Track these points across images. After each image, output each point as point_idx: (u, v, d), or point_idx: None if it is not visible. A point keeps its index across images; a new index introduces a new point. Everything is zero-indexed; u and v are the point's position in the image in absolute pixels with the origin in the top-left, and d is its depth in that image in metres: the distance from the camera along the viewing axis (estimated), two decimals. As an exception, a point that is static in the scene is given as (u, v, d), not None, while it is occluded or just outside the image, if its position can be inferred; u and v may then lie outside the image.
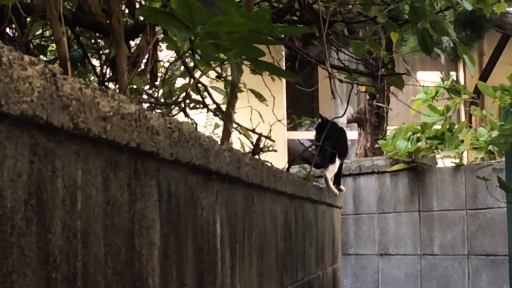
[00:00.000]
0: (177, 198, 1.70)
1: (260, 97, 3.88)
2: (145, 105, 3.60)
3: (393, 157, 6.74)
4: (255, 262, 2.61)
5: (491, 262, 6.14)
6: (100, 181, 1.29)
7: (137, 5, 3.23)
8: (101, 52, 3.65)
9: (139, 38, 3.06)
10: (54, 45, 3.83)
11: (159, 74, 3.80)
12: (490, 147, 6.35)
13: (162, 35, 3.32)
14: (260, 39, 2.13)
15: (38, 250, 1.07)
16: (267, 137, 3.48)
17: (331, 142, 4.30)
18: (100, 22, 2.76)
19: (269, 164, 2.88)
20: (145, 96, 3.68)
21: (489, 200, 6.01)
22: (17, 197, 1.01)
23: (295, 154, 6.86)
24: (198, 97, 3.66)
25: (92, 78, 3.80)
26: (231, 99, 3.09)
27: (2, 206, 0.98)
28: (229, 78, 3.88)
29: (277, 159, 4.27)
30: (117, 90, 2.57)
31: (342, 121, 7.11)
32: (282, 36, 4.17)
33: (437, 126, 6.83)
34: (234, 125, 3.27)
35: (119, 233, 1.36)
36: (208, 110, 3.57)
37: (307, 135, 10.80)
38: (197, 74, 3.54)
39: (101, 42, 3.77)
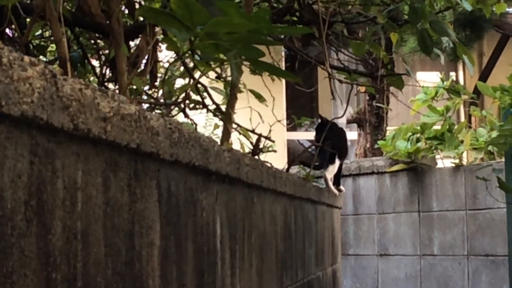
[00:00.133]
0: (177, 199, 1.70)
1: (259, 97, 3.88)
2: (145, 106, 3.60)
3: (393, 158, 6.75)
4: (255, 262, 2.61)
5: (491, 262, 6.14)
6: (100, 182, 1.29)
7: (137, 6, 3.23)
8: (100, 52, 3.65)
9: (139, 39, 3.06)
10: (53, 45, 3.83)
11: (159, 75, 3.80)
12: (490, 148, 6.36)
13: (161, 36, 3.32)
14: (259, 40, 2.13)
15: (38, 250, 1.07)
16: (267, 138, 3.48)
17: (330, 142, 4.30)
18: (99, 22, 2.76)
19: (269, 165, 2.88)
20: (144, 97, 3.68)
21: (488, 200, 6.01)
22: (17, 198, 1.01)
23: (295, 154, 6.87)
24: (198, 98, 3.66)
25: (91, 78, 3.81)
26: (231, 99, 3.09)
27: (2, 207, 0.98)
28: (229, 78, 3.89)
29: (277, 159, 4.27)
30: (117, 91, 2.57)
31: (341, 122, 7.11)
32: (282, 36, 4.17)
33: (437, 127, 6.83)
34: (234, 126, 3.27)
35: (119, 234, 1.36)
36: (208, 110, 3.57)
37: (306, 136, 10.79)
38: (197, 74, 3.54)
39: (101, 43, 3.77)
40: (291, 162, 4.52)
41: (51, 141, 1.12)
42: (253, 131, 3.50)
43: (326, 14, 3.76)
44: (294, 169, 5.14)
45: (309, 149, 5.07)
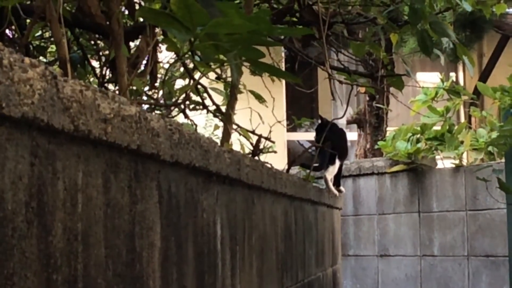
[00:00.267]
0: (178, 200, 1.70)
1: (259, 98, 3.88)
2: (145, 107, 3.60)
3: (393, 158, 6.75)
4: (256, 263, 2.61)
5: (491, 263, 6.14)
6: (101, 183, 1.29)
7: (137, 7, 3.23)
8: (100, 53, 3.65)
9: (139, 40, 3.06)
10: (53, 46, 3.83)
11: (159, 76, 3.80)
12: (490, 148, 6.36)
13: (161, 37, 3.32)
14: (259, 41, 2.13)
15: (39, 252, 1.07)
16: (267, 138, 3.48)
17: (331, 143, 4.30)
18: (99, 23, 2.76)
19: (269, 165, 2.88)
20: (145, 98, 3.68)
21: (489, 201, 6.01)
22: (18, 199, 1.01)
23: (295, 155, 6.87)
24: (198, 99, 3.66)
25: (91, 79, 3.80)
26: (231, 100, 3.09)
27: (3, 209, 0.98)
28: (229, 79, 3.88)
29: (277, 160, 4.27)
30: (117, 92, 2.57)
31: (341, 122, 7.11)
32: (282, 37, 4.17)
33: (437, 127, 6.83)
34: (234, 127, 3.27)
35: (119, 235, 1.36)
36: (208, 111, 3.57)
37: (306, 136, 10.80)
38: (197, 75, 3.54)
39: (101, 44, 3.77)
40: (291, 162, 4.53)
41: (52, 142, 1.12)
42: (253, 132, 3.50)
43: (326, 14, 3.76)
44: (294, 170, 5.14)
45: (309, 150, 5.07)
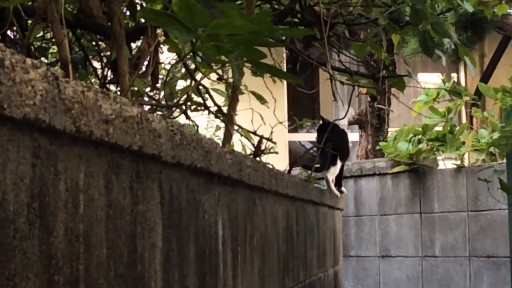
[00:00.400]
0: (179, 201, 1.70)
1: (261, 99, 3.88)
2: (146, 107, 3.60)
3: (394, 159, 6.75)
4: (257, 264, 2.61)
5: (493, 263, 6.14)
6: (102, 184, 1.29)
7: (138, 8, 3.23)
8: (102, 54, 3.65)
9: (140, 41, 3.06)
10: (55, 47, 3.83)
11: (160, 76, 3.80)
12: (491, 149, 6.35)
13: (163, 37, 3.32)
14: (261, 41, 2.13)
15: (40, 253, 1.07)
16: (268, 139, 3.48)
17: (332, 144, 4.29)
18: (101, 24, 2.76)
19: (271, 166, 2.88)
20: (146, 99, 3.68)
21: (490, 201, 6.01)
22: (19, 200, 1.01)
23: (296, 156, 6.87)
24: (199, 99, 3.66)
25: (93, 80, 3.80)
26: (232, 101, 3.09)
27: (4, 210, 0.98)
28: (230, 80, 3.89)
29: (279, 161, 4.27)
30: (118, 93, 2.57)
31: (343, 123, 7.11)
32: (283, 38, 4.17)
33: (438, 128, 6.83)
34: (236, 127, 3.27)
35: (121, 236, 1.36)
36: (209, 112, 3.57)
37: (308, 137, 10.80)
38: (198, 76, 3.54)
39: (102, 45, 3.77)
40: (292, 163, 4.53)
41: (53, 143, 1.12)
42: (254, 133, 3.50)
43: (327, 15, 3.76)
44: (296, 171, 5.14)
45: (311, 151, 5.07)
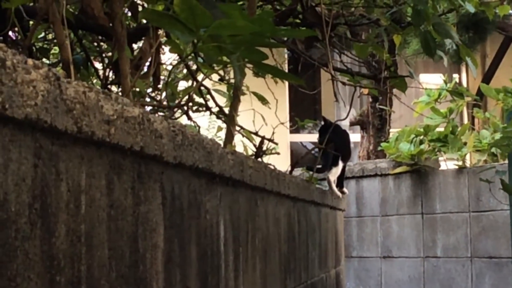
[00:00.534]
0: (181, 201, 1.70)
1: (263, 100, 3.88)
2: (148, 108, 3.60)
3: (396, 160, 6.74)
4: (259, 265, 2.61)
5: (494, 264, 6.14)
6: (104, 185, 1.29)
7: (140, 8, 3.23)
8: (104, 55, 3.64)
9: (142, 41, 3.06)
10: (56, 48, 3.83)
11: (162, 77, 3.80)
12: (493, 149, 6.35)
13: (165, 38, 3.32)
14: (263, 42, 2.13)
15: (42, 253, 1.07)
16: (270, 140, 3.48)
17: (334, 144, 4.29)
18: (103, 25, 2.76)
19: (272, 167, 2.88)
20: (148, 99, 3.68)
21: (492, 202, 6.01)
22: (21, 200, 1.01)
23: (298, 156, 6.87)
24: (201, 100, 3.66)
25: (95, 81, 3.80)
26: (234, 102, 3.09)
27: (6, 210, 0.98)
28: (232, 81, 3.88)
29: (280, 161, 4.27)
30: (120, 93, 2.57)
31: (344, 124, 7.11)
32: (285, 38, 4.17)
33: (440, 129, 6.83)
34: (237, 128, 3.27)
35: (123, 237, 1.36)
36: (211, 113, 3.57)
37: (309, 138, 10.80)
38: (200, 77, 3.54)
39: (104, 45, 3.77)
40: (294, 164, 4.53)
41: (55, 144, 1.12)
42: (256, 134, 3.50)
43: (329, 16, 3.75)
44: (297, 171, 5.14)
45: (312, 152, 5.07)
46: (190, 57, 3.09)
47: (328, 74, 3.79)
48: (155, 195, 1.53)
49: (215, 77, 3.99)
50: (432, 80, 11.35)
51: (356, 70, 4.71)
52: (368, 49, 4.31)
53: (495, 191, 5.53)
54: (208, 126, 8.17)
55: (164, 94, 3.82)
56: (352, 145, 5.01)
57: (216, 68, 3.06)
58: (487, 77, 11.08)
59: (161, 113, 4.02)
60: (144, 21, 3.16)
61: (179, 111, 3.83)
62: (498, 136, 5.82)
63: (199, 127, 3.80)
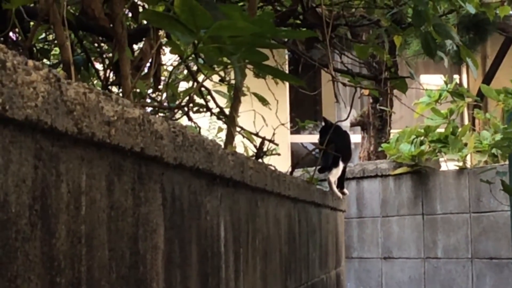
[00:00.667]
0: (181, 202, 1.70)
1: (263, 100, 3.88)
2: (148, 109, 3.60)
3: (397, 161, 6.74)
4: (259, 266, 2.61)
5: (495, 265, 6.13)
6: (104, 186, 1.29)
7: (141, 9, 3.23)
8: (104, 56, 3.64)
9: (143, 42, 3.06)
10: (57, 49, 3.83)
11: (163, 78, 3.80)
12: (494, 150, 6.35)
13: (165, 39, 3.32)
14: (263, 43, 2.13)
15: (42, 255, 1.07)
16: (271, 141, 3.48)
17: (334, 145, 4.29)
18: (103, 26, 2.76)
19: (273, 168, 2.88)
20: (148, 100, 3.68)
21: (492, 203, 6.00)
22: (21, 202, 1.01)
23: (299, 157, 6.87)
24: (202, 101, 3.66)
25: (95, 82, 3.80)
26: (235, 102, 3.09)
27: (6, 211, 0.98)
28: (233, 81, 3.88)
29: (281, 162, 4.27)
30: (121, 94, 2.57)
31: (345, 125, 7.11)
32: (285, 39, 4.17)
33: (441, 129, 6.83)
34: (238, 129, 3.27)
35: (123, 238, 1.36)
36: (212, 113, 3.57)
37: (310, 139, 10.81)
38: (201, 78, 3.54)
39: (105, 46, 3.77)
40: (295, 165, 4.53)
41: (55, 145, 1.12)
42: (256, 134, 3.50)
43: (329, 17, 3.75)
44: (298, 172, 5.14)
45: (313, 152, 5.07)
46: (190, 58, 3.10)
47: (329, 75, 3.79)
48: (155, 196, 1.53)
49: (215, 78, 3.99)
50: (432, 81, 11.35)
51: (356, 71, 4.71)
52: (369, 50, 4.31)
53: (496, 192, 5.53)
54: (209, 127, 8.17)
55: (164, 95, 3.82)
56: (352, 146, 5.01)
57: (216, 69, 3.07)
58: (487, 78, 11.08)
59: (161, 114, 4.02)
60: (145, 22, 3.16)
61: (180, 112, 3.83)
62: (498, 137, 5.82)
63: (199, 128, 3.80)
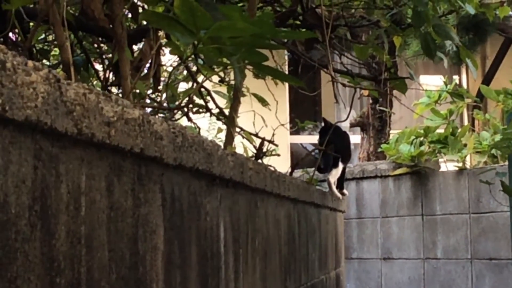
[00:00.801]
0: (181, 203, 1.70)
1: (263, 101, 3.88)
2: (148, 110, 3.60)
3: (396, 161, 6.74)
4: (259, 266, 2.60)
5: (494, 266, 6.13)
6: (104, 186, 1.29)
7: (140, 10, 3.23)
8: (104, 56, 3.64)
9: (142, 43, 3.06)
10: (57, 49, 3.83)
11: (162, 79, 3.80)
12: (493, 151, 6.36)
13: (165, 40, 3.32)
14: (263, 44, 2.13)
15: (42, 255, 1.07)
16: (270, 141, 3.48)
17: (334, 146, 4.29)
18: (103, 26, 2.76)
19: (272, 169, 2.88)
20: (148, 101, 3.68)
21: (492, 204, 6.01)
22: (21, 202, 1.01)
23: (298, 158, 6.87)
24: (201, 102, 3.66)
25: (95, 82, 3.80)
26: (234, 103, 3.09)
27: (6, 212, 0.98)
28: (232, 82, 3.88)
29: (280, 163, 4.27)
30: (120, 95, 2.57)
31: (345, 125, 7.11)
32: (285, 40, 4.17)
33: (440, 130, 6.83)
34: (237, 130, 3.27)
35: (123, 238, 1.36)
36: (211, 114, 3.57)
37: (310, 139, 10.79)
38: (200, 78, 3.54)
39: (104, 47, 3.76)
40: (294, 165, 4.53)
41: (55, 145, 1.12)
42: (256, 135, 3.50)
43: (329, 18, 3.75)
44: (298, 173, 5.14)
45: (313, 153, 5.07)
46: (190, 58, 3.10)
47: (328, 76, 3.79)
48: (155, 197, 1.53)
49: (215, 78, 3.99)
50: (432, 82, 11.34)
51: (356, 72, 4.71)
52: (368, 51, 4.32)
53: (495, 193, 5.53)
54: (208, 127, 8.17)
55: (164, 95, 3.82)
56: (352, 147, 5.01)
57: (216, 69, 3.07)
58: (487, 79, 11.08)
59: (161, 115, 4.02)
60: (145, 22, 3.16)
61: (179, 112, 3.83)
62: (498, 137, 5.82)
63: (199, 128, 3.80)
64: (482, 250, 6.21)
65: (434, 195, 6.54)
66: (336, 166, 4.40)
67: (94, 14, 2.71)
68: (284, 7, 4.29)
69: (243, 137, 3.51)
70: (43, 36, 3.93)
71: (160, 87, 3.49)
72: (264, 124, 3.63)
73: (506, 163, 5.51)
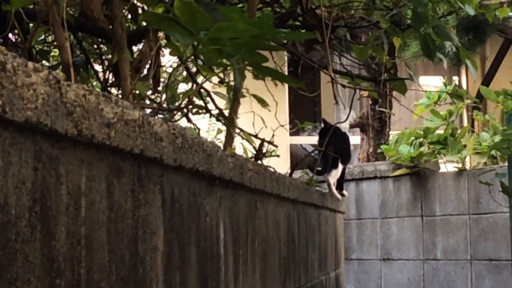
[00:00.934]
0: (181, 204, 1.70)
1: (262, 102, 3.88)
2: (148, 111, 3.60)
3: (396, 162, 6.74)
4: (258, 267, 2.61)
5: (494, 267, 6.13)
6: (104, 188, 1.29)
7: (140, 11, 3.23)
8: (103, 57, 3.64)
9: (142, 44, 3.06)
10: (56, 50, 3.83)
11: (162, 80, 3.80)
12: (493, 152, 6.35)
13: (165, 41, 3.32)
14: (263, 45, 2.13)
15: (42, 256, 1.07)
16: (270, 142, 3.48)
17: (333, 147, 4.29)
18: (103, 27, 2.76)
19: (272, 169, 2.88)
20: (148, 102, 3.68)
21: (492, 205, 6.01)
22: (21, 204, 1.01)
23: (298, 159, 6.87)
24: (201, 103, 3.66)
25: (94, 83, 3.80)
26: (234, 104, 3.09)
27: (6, 213, 0.98)
28: (232, 83, 3.88)
29: (280, 164, 4.27)
30: (120, 96, 2.57)
31: (344, 126, 7.11)
32: (285, 41, 4.17)
33: (440, 131, 6.83)
34: (237, 130, 3.27)
35: (123, 239, 1.36)
36: (211, 115, 3.57)
37: (309, 140, 10.80)
38: (200, 79, 3.54)
39: (104, 48, 3.77)
40: (294, 166, 4.53)
41: (55, 147, 1.12)
42: (256, 136, 3.50)
43: (329, 18, 3.76)
44: (297, 174, 5.14)
45: (312, 154, 5.07)
46: (190, 59, 3.10)
47: (328, 77, 3.79)
48: (155, 198, 1.53)
49: (215, 79, 3.99)
50: (432, 83, 11.34)
51: (356, 73, 4.71)
52: (368, 52, 4.32)
53: (495, 194, 5.53)
54: (208, 128, 8.17)
55: (164, 96, 3.82)
56: (352, 148, 5.02)
57: (216, 70, 3.07)
58: (486, 80, 11.08)
59: (161, 116, 4.02)
60: (144, 23, 3.16)
61: (179, 113, 3.83)
62: (497, 138, 5.82)
63: (199, 129, 3.80)
64: (481, 251, 6.21)
65: (434, 196, 6.54)
66: (335, 167, 4.40)
67: (94, 15, 2.71)
68: (284, 8, 4.29)
69: (242, 138, 3.51)
70: (42, 37, 3.93)
71: (159, 88, 3.49)
72: (264, 125, 3.63)
73: (506, 164, 5.51)
